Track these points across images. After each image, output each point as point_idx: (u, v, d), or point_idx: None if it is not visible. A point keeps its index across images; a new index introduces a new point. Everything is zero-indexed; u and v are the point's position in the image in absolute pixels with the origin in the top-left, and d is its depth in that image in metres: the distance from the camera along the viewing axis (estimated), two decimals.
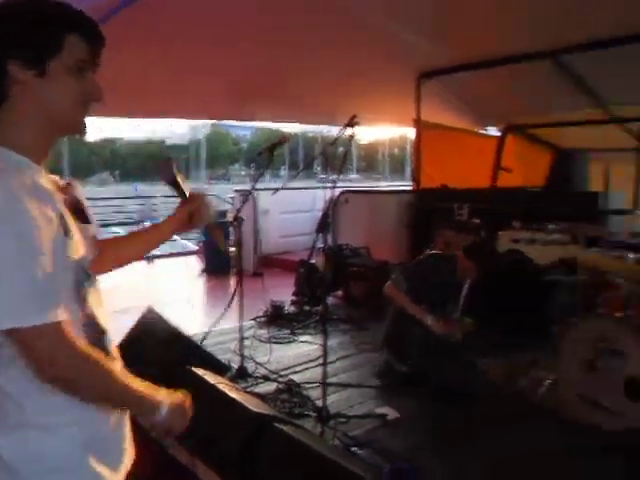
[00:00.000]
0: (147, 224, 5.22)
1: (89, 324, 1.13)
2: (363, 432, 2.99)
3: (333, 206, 6.64)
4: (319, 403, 3.13)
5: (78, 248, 1.10)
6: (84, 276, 1.14)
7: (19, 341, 0.99)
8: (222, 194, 11.13)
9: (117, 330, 1.35)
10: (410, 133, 7.00)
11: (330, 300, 6.06)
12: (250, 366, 3.84)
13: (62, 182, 1.19)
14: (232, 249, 6.35)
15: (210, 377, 2.80)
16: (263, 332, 4.66)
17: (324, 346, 3.05)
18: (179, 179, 1.48)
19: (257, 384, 3.62)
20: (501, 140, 8.31)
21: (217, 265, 7.61)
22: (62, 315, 1.00)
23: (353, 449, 2.72)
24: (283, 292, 5.72)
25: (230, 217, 7.62)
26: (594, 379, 2.96)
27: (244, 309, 3.90)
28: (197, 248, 9.43)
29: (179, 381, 1.44)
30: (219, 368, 3.52)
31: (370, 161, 51.70)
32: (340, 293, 6.18)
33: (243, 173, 43.89)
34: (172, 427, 1.22)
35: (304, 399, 3.35)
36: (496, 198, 6.24)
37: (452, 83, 6.25)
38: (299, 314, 5.31)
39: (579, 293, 3.85)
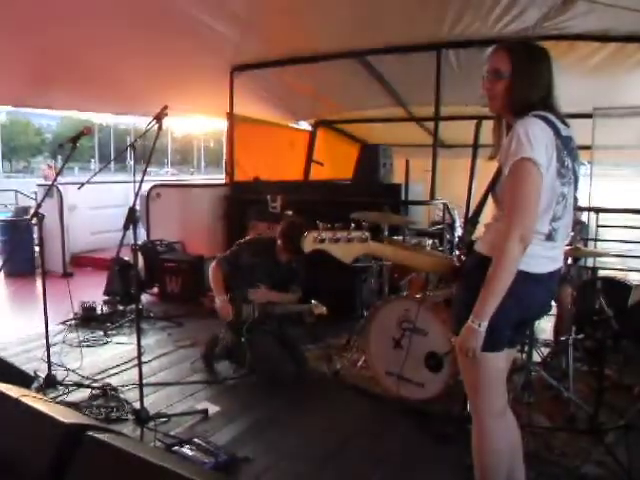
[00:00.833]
0: None
1: None
2: (185, 429, 3.00)
3: (145, 201, 6.40)
4: (137, 405, 3.04)
5: None
6: None
7: None
8: (24, 189, 10.16)
9: None
10: (225, 126, 6.93)
11: (145, 297, 5.86)
12: (60, 373, 3.64)
13: None
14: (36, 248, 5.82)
15: (13, 391, 2.48)
16: (74, 336, 4.40)
17: (138, 345, 2.96)
18: None
19: (69, 392, 3.42)
20: (312, 135, 8.70)
21: (19, 266, 6.86)
22: None
23: (175, 448, 2.70)
24: (96, 292, 5.40)
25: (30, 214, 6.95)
26: (399, 356, 3.25)
27: (52, 313, 3.68)
28: None
29: None
30: (23, 379, 3.29)
31: (185, 154, 50.34)
32: (156, 290, 6.04)
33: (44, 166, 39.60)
34: None
35: (121, 402, 3.27)
36: (308, 190, 6.54)
37: (264, 77, 6.36)
38: (113, 314, 5.09)
39: (386, 277, 4.19)
